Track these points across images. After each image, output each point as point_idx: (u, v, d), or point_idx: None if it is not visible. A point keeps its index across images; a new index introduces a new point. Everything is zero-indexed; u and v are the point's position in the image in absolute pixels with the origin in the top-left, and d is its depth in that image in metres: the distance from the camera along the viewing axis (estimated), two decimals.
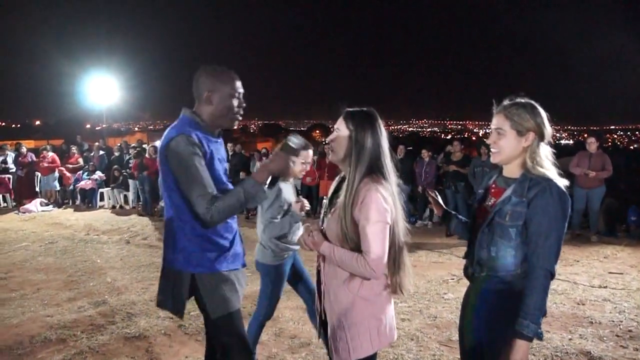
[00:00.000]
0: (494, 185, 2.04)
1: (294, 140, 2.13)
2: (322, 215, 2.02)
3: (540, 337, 1.76)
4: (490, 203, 1.99)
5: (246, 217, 10.21)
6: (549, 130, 1.91)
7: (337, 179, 2.02)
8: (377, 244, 1.74)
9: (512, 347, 1.75)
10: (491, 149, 1.97)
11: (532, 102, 1.93)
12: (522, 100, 1.92)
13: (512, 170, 1.95)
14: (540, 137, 1.89)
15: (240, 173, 10.50)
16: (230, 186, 2.20)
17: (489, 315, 1.95)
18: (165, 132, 2.12)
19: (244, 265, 2.28)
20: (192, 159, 1.99)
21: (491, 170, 2.13)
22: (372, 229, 1.74)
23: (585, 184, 7.31)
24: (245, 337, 2.24)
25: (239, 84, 2.19)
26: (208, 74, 2.16)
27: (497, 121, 1.94)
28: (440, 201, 2.39)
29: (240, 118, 2.24)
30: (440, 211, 2.39)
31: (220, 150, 2.21)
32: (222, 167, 2.20)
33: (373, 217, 1.74)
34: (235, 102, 2.18)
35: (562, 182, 1.84)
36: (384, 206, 1.76)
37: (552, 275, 1.79)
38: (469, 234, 2.11)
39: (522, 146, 1.89)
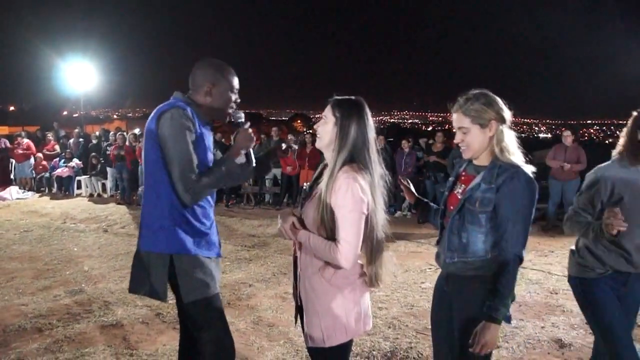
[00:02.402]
0: (464, 173, 2.08)
1: (237, 115, 2.27)
2: (301, 202, 2.03)
3: (508, 320, 1.81)
4: (460, 190, 2.03)
5: (226, 205, 10.18)
6: (508, 113, 1.96)
7: (320, 166, 2.02)
8: (350, 233, 1.75)
9: (482, 330, 1.79)
10: (460, 147, 2.01)
11: (484, 91, 1.97)
12: (475, 93, 1.96)
13: (481, 159, 2.00)
14: (502, 122, 1.94)
15: None
16: None
17: (460, 300, 1.99)
18: (156, 109, 2.11)
19: (219, 255, 2.25)
20: (184, 133, 1.99)
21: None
22: (347, 217, 1.75)
23: (560, 176, 7.45)
24: (226, 324, 2.21)
25: (237, 80, 2.24)
26: (211, 66, 2.19)
27: (458, 120, 1.98)
28: (413, 189, 2.42)
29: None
30: (412, 199, 2.42)
31: (209, 138, 2.23)
32: (208, 155, 2.20)
33: (349, 206, 1.75)
34: (233, 97, 2.23)
35: (529, 169, 1.90)
36: (360, 195, 1.76)
37: (520, 260, 1.85)
38: (440, 220, 2.15)
39: (488, 137, 1.94)
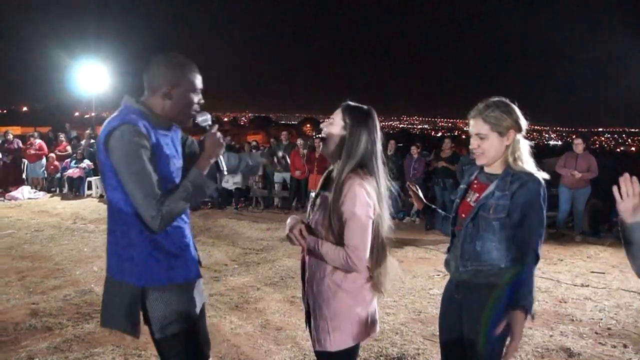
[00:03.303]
0: (476, 181, 2.09)
1: (202, 118, 2.00)
2: (309, 209, 2.04)
3: (533, 314, 1.77)
4: (473, 198, 2.04)
5: (235, 208, 10.21)
6: (524, 122, 1.97)
7: (326, 172, 2.04)
8: (358, 237, 1.77)
9: (514, 320, 1.72)
10: (475, 153, 2.01)
11: (504, 99, 1.98)
12: (494, 100, 1.98)
13: (494, 167, 2.01)
14: (519, 131, 1.96)
15: None
16: None
17: (471, 308, 1.99)
18: (105, 122, 1.85)
19: (199, 276, 2.02)
20: (139, 153, 1.74)
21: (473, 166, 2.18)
22: (355, 222, 1.77)
23: (571, 184, 7.40)
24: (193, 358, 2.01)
25: (200, 79, 1.97)
26: (170, 64, 1.91)
27: (476, 126, 1.98)
28: (421, 195, 2.43)
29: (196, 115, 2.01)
30: (421, 205, 2.43)
31: (170, 144, 1.94)
32: (172, 164, 1.92)
33: (356, 211, 1.77)
34: (195, 99, 1.95)
35: (541, 175, 1.92)
36: (367, 200, 1.78)
37: (537, 258, 1.84)
38: (452, 228, 2.16)
39: (504, 145, 1.95)
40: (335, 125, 1.90)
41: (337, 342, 1.85)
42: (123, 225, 1.83)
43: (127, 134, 1.73)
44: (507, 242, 1.91)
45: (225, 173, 2.02)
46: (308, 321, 1.98)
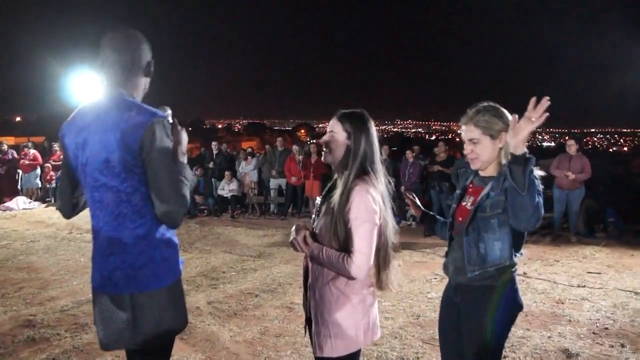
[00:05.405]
0: (471, 185, 2.11)
1: (167, 112, 2.02)
2: (313, 216, 2.06)
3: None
4: (469, 202, 2.06)
5: (231, 216, 10.20)
6: None
7: (332, 180, 2.06)
8: (364, 244, 1.78)
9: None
10: (469, 157, 2.03)
11: (493, 103, 2.01)
12: (484, 105, 2.00)
13: (488, 170, 2.04)
14: None
15: (225, 172, 10.49)
16: None
17: (470, 311, 2.01)
18: (116, 117, 1.69)
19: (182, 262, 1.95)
20: (169, 151, 1.72)
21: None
22: (360, 229, 1.79)
23: (565, 186, 7.45)
24: None
25: None
26: (144, 39, 1.85)
27: (468, 132, 2.01)
28: (418, 203, 2.45)
29: None
30: (419, 213, 2.45)
31: None
32: None
33: (362, 218, 1.79)
34: None
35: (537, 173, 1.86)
36: (372, 207, 1.80)
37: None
38: (449, 232, 2.18)
39: (497, 148, 1.98)
40: (338, 137, 1.92)
41: (339, 348, 1.86)
42: (141, 228, 1.72)
43: (160, 130, 1.69)
44: (509, 238, 1.93)
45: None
46: (309, 327, 1.99)
